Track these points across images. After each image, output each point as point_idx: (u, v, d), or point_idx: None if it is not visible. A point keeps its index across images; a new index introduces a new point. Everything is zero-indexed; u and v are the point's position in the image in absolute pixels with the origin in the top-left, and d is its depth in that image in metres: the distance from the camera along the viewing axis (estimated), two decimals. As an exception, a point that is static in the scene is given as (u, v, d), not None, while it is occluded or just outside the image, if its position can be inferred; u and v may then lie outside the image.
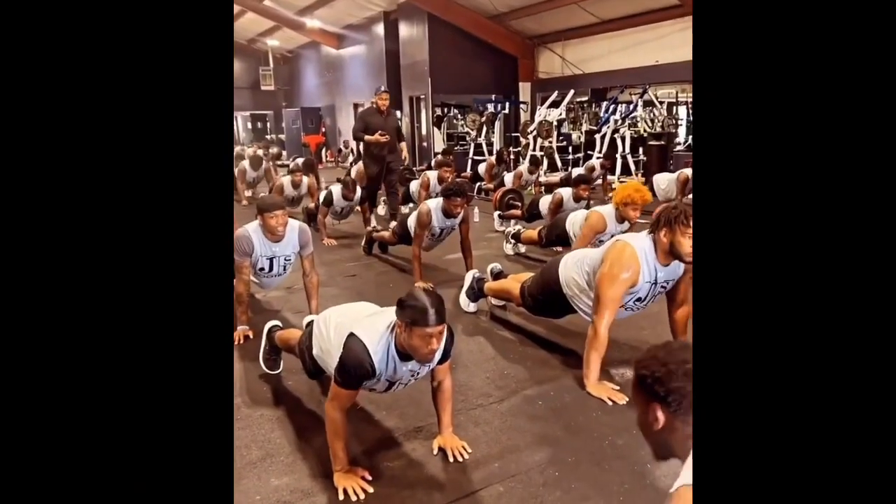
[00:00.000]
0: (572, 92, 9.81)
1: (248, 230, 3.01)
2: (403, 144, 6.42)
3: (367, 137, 5.77)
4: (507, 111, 11.21)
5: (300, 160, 7.75)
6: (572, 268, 2.61)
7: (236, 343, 2.95)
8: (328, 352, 1.93)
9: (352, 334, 1.75)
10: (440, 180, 6.19)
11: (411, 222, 4.11)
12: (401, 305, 1.66)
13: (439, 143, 11.80)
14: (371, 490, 1.76)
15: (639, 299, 2.44)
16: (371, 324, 1.79)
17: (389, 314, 1.77)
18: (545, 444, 2.02)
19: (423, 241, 3.95)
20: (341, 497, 1.73)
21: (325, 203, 5.43)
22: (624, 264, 2.32)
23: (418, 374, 1.86)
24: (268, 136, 19.76)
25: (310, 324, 2.45)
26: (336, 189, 5.49)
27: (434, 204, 3.90)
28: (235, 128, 20.69)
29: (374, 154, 5.95)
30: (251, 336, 2.97)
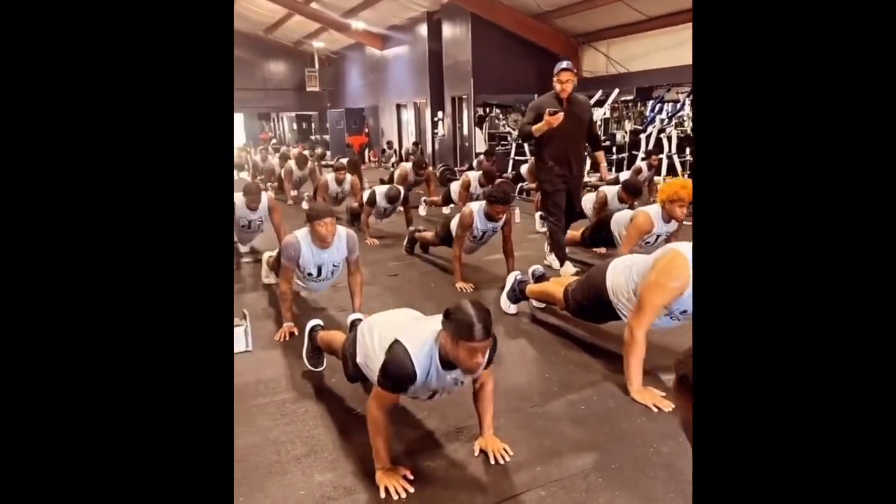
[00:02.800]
0: (617, 91, 9.64)
1: (298, 237, 3.06)
2: (601, 154, 4.43)
3: (534, 128, 3.89)
4: (549, 111, 11.09)
5: (344, 160, 7.88)
6: (620, 275, 2.56)
7: (281, 339, 3.02)
8: (372, 360, 1.94)
9: (396, 341, 1.76)
10: (482, 183, 6.17)
11: (454, 224, 4.12)
12: (447, 317, 1.66)
13: (481, 144, 11.79)
14: (412, 490, 1.77)
15: (684, 311, 2.36)
16: (415, 331, 1.80)
17: (434, 322, 1.77)
18: (588, 449, 2.00)
19: (464, 242, 3.95)
20: (383, 495, 1.75)
21: (368, 203, 5.52)
22: (673, 273, 2.25)
23: (461, 382, 1.86)
24: (312, 137, 20.15)
25: (353, 326, 2.49)
26: (379, 189, 5.57)
27: (477, 206, 3.90)
28: (282, 128, 21.17)
29: (555, 160, 4.01)
30: (296, 333, 3.03)
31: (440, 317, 1.72)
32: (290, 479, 1.86)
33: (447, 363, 1.73)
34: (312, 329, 2.63)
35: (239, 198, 4.44)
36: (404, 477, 1.80)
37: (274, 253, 4.07)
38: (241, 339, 2.90)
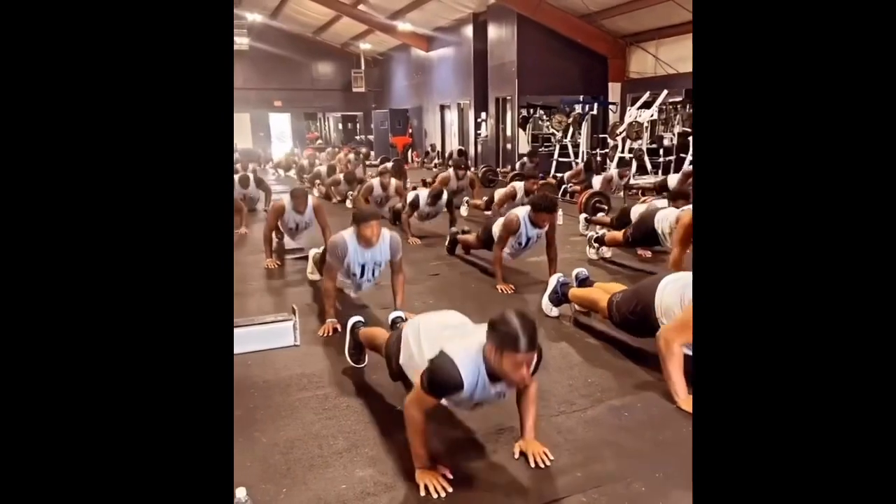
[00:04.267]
0: (665, 92, 9.41)
1: (345, 237, 3.14)
2: None
3: None
4: (594, 112, 10.94)
5: (388, 164, 7.96)
6: (671, 295, 2.48)
7: (324, 335, 3.08)
8: (416, 363, 1.94)
9: (443, 352, 1.74)
10: (527, 192, 6.08)
11: (496, 228, 4.11)
12: (492, 327, 1.64)
13: (524, 145, 11.71)
14: (451, 489, 1.77)
15: None
16: (462, 342, 1.78)
17: (481, 332, 1.74)
18: (631, 457, 1.95)
19: (506, 244, 3.93)
20: (423, 493, 1.75)
21: (411, 205, 5.59)
22: None
23: (505, 395, 1.84)
24: (357, 137, 20.43)
25: (395, 325, 2.51)
26: (423, 193, 5.62)
27: (523, 212, 3.88)
28: (327, 128, 21.54)
29: None
30: (339, 329, 3.08)
31: (485, 325, 1.70)
32: (332, 472, 1.89)
33: (493, 375, 1.71)
34: (354, 326, 2.66)
35: (287, 200, 4.61)
36: (444, 476, 1.80)
37: (320, 250, 4.15)
38: (290, 333, 2.97)
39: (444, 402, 1.83)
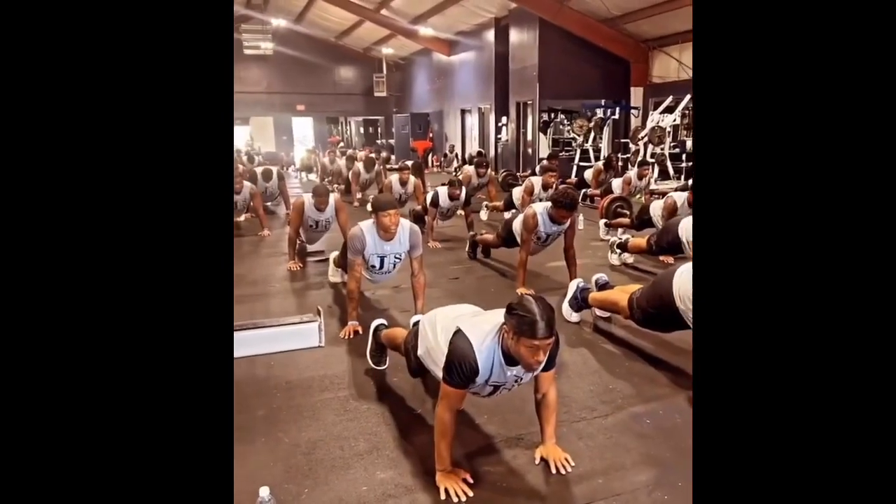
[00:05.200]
0: (689, 96, 9.32)
1: (363, 228, 3.15)
2: None
3: None
4: (616, 116, 10.87)
5: (409, 163, 8.02)
6: (688, 281, 2.48)
7: (345, 337, 3.10)
8: (434, 351, 1.97)
9: (459, 331, 1.77)
10: (545, 186, 6.12)
11: (516, 226, 4.10)
12: (510, 311, 1.66)
13: (544, 149, 11.68)
14: (471, 493, 1.77)
15: None
16: (478, 323, 1.80)
17: (497, 316, 1.76)
18: (652, 464, 1.94)
19: (530, 246, 3.91)
20: (443, 497, 1.76)
21: (432, 204, 5.59)
22: None
23: (521, 379, 1.85)
24: (378, 141, 20.57)
25: (416, 323, 2.52)
26: (442, 190, 5.63)
27: (541, 208, 3.85)
28: (349, 132, 21.72)
29: None
30: (360, 331, 3.10)
31: (502, 310, 1.72)
32: (353, 474, 1.91)
33: (509, 358, 1.72)
34: (377, 328, 2.68)
35: (308, 198, 4.63)
36: (464, 480, 1.81)
37: (340, 251, 4.19)
38: (315, 334, 3.01)
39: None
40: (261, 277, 4.54)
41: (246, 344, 2.87)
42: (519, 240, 3.99)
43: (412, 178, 6.64)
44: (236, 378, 2.62)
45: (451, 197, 5.56)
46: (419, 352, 2.11)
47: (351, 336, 3.11)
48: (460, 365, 1.73)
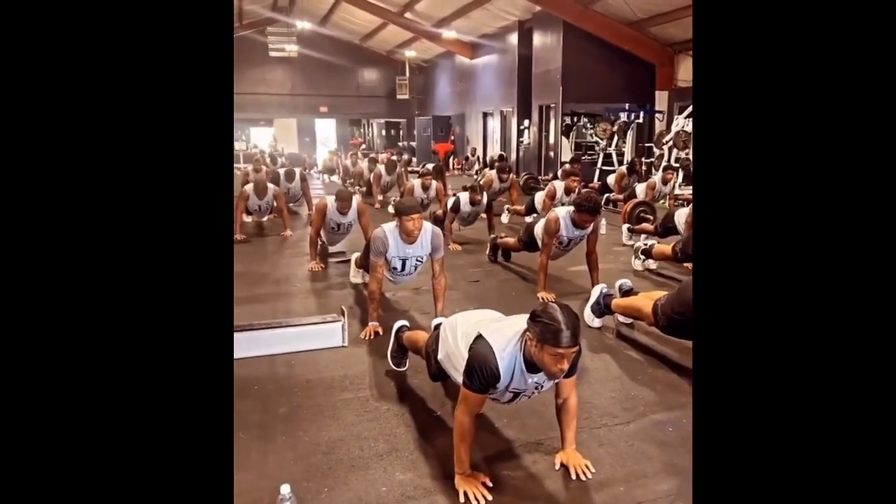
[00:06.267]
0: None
1: (385, 231, 3.17)
2: None
3: None
4: (640, 120, 10.76)
5: (430, 165, 8.03)
6: None
7: (366, 338, 3.12)
8: (454, 356, 1.97)
9: (480, 336, 1.77)
10: (567, 191, 6.09)
11: (538, 230, 4.08)
12: (534, 318, 1.64)
13: (567, 153, 11.61)
14: (490, 498, 1.76)
15: None
16: (500, 329, 1.80)
17: (519, 322, 1.75)
18: (674, 473, 1.91)
19: (551, 250, 3.89)
20: (462, 500, 1.76)
21: (452, 209, 5.60)
22: None
23: (542, 387, 1.84)
24: (400, 143, 20.66)
25: (437, 327, 2.53)
26: (463, 196, 5.63)
27: (563, 212, 3.83)
28: (371, 134, 21.86)
29: None
30: (381, 332, 3.12)
31: (525, 316, 1.71)
32: (372, 474, 1.91)
33: (531, 365, 1.71)
34: (399, 329, 2.69)
35: (331, 201, 4.68)
36: (483, 484, 1.80)
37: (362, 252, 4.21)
38: (338, 334, 3.03)
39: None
40: (283, 277, 4.59)
41: (269, 343, 2.90)
42: (540, 244, 3.98)
43: (434, 182, 6.66)
44: (258, 376, 2.65)
45: (473, 202, 5.56)
46: (439, 356, 2.11)
47: (372, 337, 3.12)
48: (481, 370, 1.72)
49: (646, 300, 2.94)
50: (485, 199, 5.61)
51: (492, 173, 7.62)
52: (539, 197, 6.55)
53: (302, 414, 2.32)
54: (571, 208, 3.76)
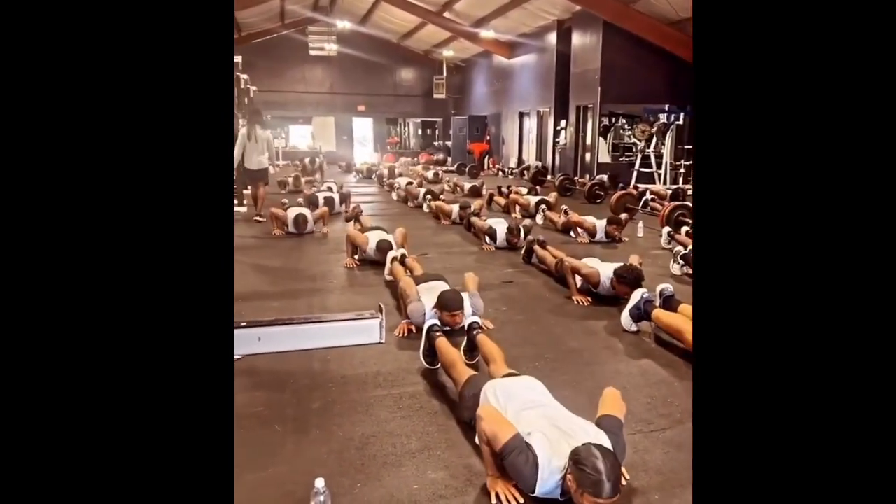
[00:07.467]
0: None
1: (426, 310, 3.07)
2: None
3: None
4: (679, 122, 10.54)
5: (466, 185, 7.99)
6: None
7: (400, 334, 3.13)
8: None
9: (529, 446, 1.72)
10: (607, 235, 5.80)
11: (574, 261, 4.05)
12: (576, 463, 1.58)
13: (604, 154, 11.46)
14: (522, 500, 1.75)
15: None
16: (556, 440, 1.74)
17: (571, 426, 1.80)
18: (713, 484, 1.86)
19: (579, 276, 3.90)
20: (494, 502, 1.75)
21: (488, 233, 5.58)
22: None
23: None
24: (436, 143, 20.72)
25: (472, 329, 2.54)
26: (501, 228, 5.52)
27: (606, 272, 3.77)
28: (407, 133, 21.97)
29: None
30: (414, 330, 3.13)
31: (584, 424, 1.75)
32: (405, 472, 1.92)
33: (567, 493, 1.67)
34: (430, 329, 2.69)
35: (372, 242, 4.62)
36: (515, 486, 1.78)
37: (398, 253, 4.24)
38: (376, 330, 3.06)
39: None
40: (319, 273, 4.65)
41: (307, 337, 2.95)
42: (570, 278, 3.92)
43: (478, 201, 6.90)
44: (293, 370, 2.69)
45: (510, 243, 5.45)
46: (478, 412, 1.97)
47: (405, 334, 3.14)
48: (516, 467, 1.70)
49: (687, 324, 2.87)
50: (522, 238, 5.42)
51: (532, 199, 7.56)
52: (577, 221, 6.14)
53: (336, 409, 2.34)
54: (612, 274, 3.68)
